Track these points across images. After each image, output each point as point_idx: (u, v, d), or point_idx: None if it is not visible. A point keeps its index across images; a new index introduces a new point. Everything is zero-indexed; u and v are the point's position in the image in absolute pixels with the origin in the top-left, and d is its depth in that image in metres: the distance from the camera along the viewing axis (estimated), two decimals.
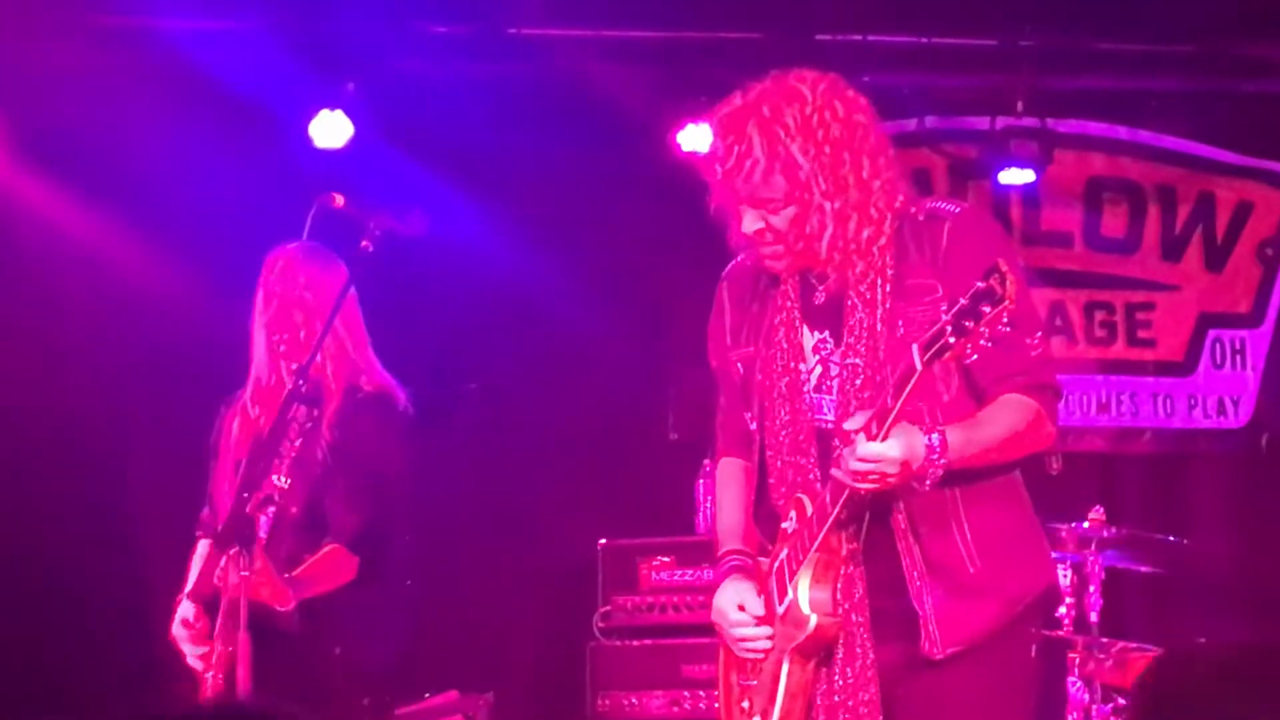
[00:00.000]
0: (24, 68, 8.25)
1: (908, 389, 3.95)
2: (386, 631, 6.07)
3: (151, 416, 8.52)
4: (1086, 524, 7.01)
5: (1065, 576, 7.11)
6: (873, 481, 4.04)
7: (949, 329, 3.86)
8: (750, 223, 4.37)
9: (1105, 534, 7.03)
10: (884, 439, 3.99)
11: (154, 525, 8.18)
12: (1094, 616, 7.03)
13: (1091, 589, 7.03)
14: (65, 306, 8.71)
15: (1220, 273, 9.24)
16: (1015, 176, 8.65)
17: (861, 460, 4.01)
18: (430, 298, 8.64)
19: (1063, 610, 7.11)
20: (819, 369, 4.36)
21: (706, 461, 7.82)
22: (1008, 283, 3.80)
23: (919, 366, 3.92)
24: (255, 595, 5.44)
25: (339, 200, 5.38)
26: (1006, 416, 4.23)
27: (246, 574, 5.08)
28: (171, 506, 7.74)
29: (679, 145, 8.54)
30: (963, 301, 3.84)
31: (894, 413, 3.98)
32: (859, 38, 8.05)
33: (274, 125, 8.35)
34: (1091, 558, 7.02)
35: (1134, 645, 7.16)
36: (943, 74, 8.47)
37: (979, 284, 3.83)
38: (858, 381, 4.25)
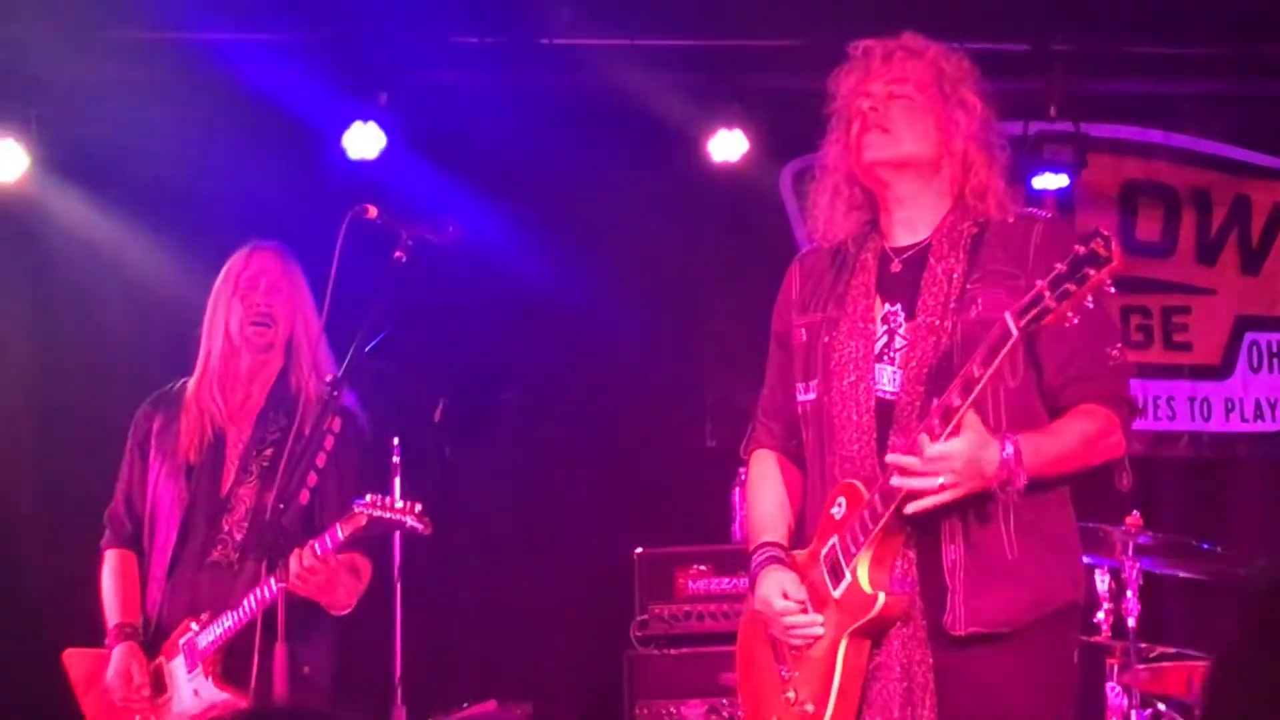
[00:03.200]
0: (60, 82, 8.29)
1: (998, 359, 3.93)
2: (336, 649, 6.08)
3: None
4: (1124, 528, 6.98)
5: (1103, 582, 7.08)
6: (950, 486, 4.04)
7: (1047, 294, 3.82)
8: (878, 88, 4.43)
9: (1143, 539, 6.99)
10: (964, 412, 3.98)
11: None
12: (1132, 622, 7.00)
13: (1129, 594, 6.99)
14: (101, 317, 8.75)
15: (1256, 275, 9.21)
16: (1049, 181, 8.62)
17: (931, 461, 4.02)
18: (464, 307, 8.65)
19: (1101, 616, 7.08)
20: (885, 338, 4.35)
21: (742, 470, 7.81)
22: (1112, 245, 3.78)
23: (1014, 332, 3.89)
24: (321, 594, 5.51)
25: (372, 211, 5.39)
26: (1080, 426, 4.24)
27: (284, 585, 5.08)
28: None
29: (711, 153, 8.57)
30: (1060, 267, 3.81)
31: (981, 383, 3.96)
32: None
33: (308, 137, 8.38)
34: (1129, 563, 6.98)
35: (1173, 651, 7.13)
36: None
37: (1079, 248, 3.80)
38: (930, 345, 4.24)
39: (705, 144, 8.58)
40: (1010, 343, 3.92)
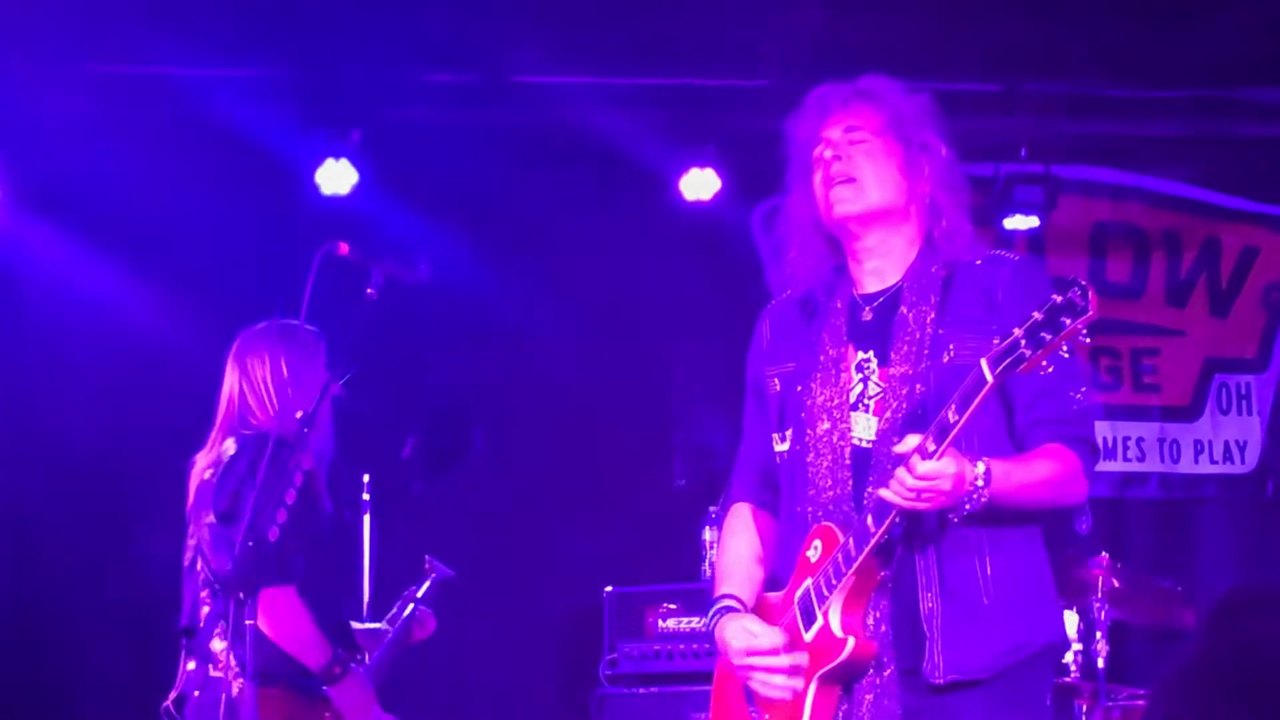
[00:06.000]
0: (29, 117, 8.27)
1: (973, 405, 3.93)
2: None
3: (155, 462, 8.54)
4: (1093, 570, 6.99)
5: (1073, 623, 7.09)
6: (926, 500, 4.01)
7: (1023, 341, 3.85)
8: (836, 134, 4.43)
9: (1112, 580, 7.01)
10: (940, 456, 3.97)
11: (157, 573, 8.19)
12: (1101, 663, 7.01)
13: (1098, 635, 7.01)
14: (72, 353, 8.72)
15: (1225, 318, 9.24)
16: (1019, 222, 8.66)
17: (921, 478, 3.98)
18: (434, 344, 8.65)
19: (1070, 657, 7.09)
20: (859, 386, 4.35)
21: (712, 508, 7.81)
22: (1089, 295, 3.80)
23: (989, 379, 3.90)
24: None
25: (344, 248, 5.37)
26: (1047, 463, 4.23)
27: (251, 622, 5.07)
28: (175, 553, 7.74)
29: (682, 192, 8.59)
30: (1037, 315, 3.84)
31: (956, 429, 3.95)
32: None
33: (280, 173, 8.38)
34: (1098, 604, 7.00)
35: (1141, 692, 7.14)
36: (946, 120, 8.47)
37: (1055, 298, 3.82)
38: (905, 392, 4.24)
39: (677, 183, 8.59)
40: (985, 390, 3.92)
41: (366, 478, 6.99)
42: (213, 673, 5.64)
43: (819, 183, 4.43)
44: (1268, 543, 8.92)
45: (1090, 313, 3.80)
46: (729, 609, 4.47)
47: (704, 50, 8.25)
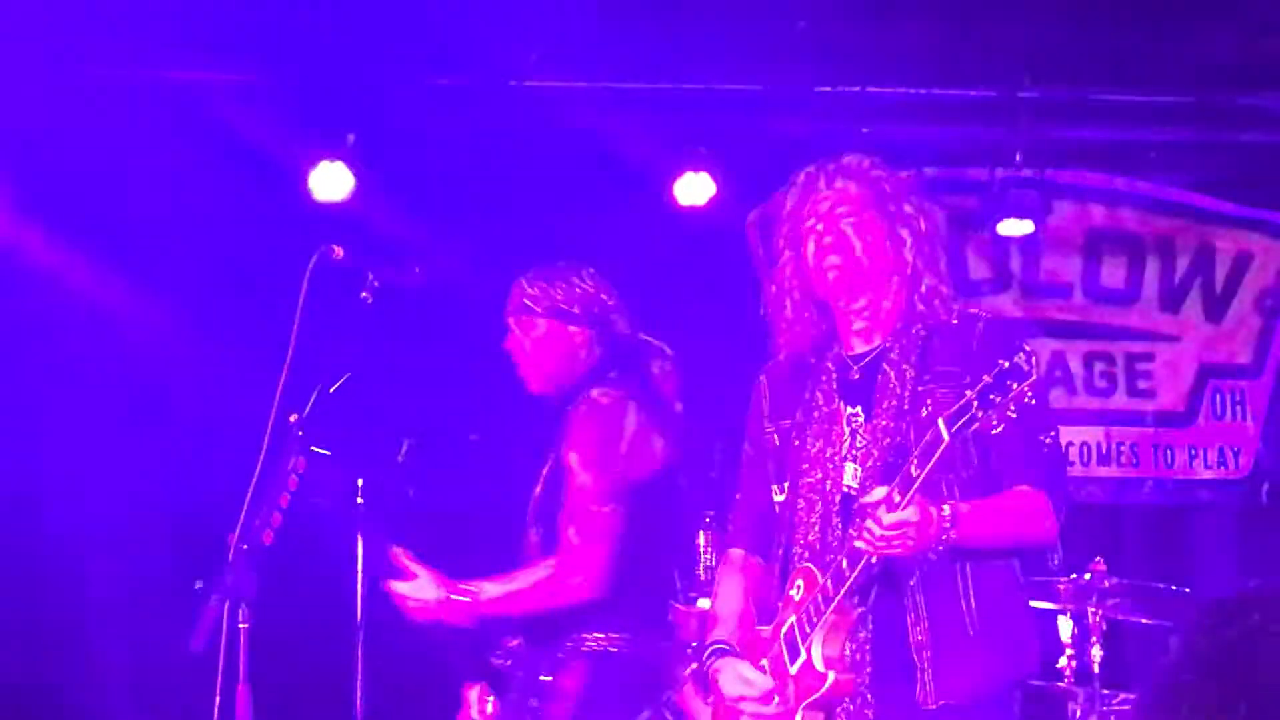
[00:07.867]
0: (25, 120, 8.27)
1: (932, 460, 4.20)
2: None
3: (153, 464, 8.55)
4: (1087, 575, 6.99)
5: (1066, 628, 7.09)
6: (896, 547, 4.29)
7: (975, 403, 4.15)
8: (824, 208, 4.71)
9: (1106, 585, 7.01)
10: (905, 507, 4.23)
11: (154, 574, 8.20)
12: (1095, 668, 7.01)
13: (1093, 640, 7.01)
14: (68, 356, 8.72)
15: (1220, 323, 9.25)
16: (1014, 227, 8.66)
17: (888, 529, 4.25)
18: (429, 349, 8.64)
19: (1064, 661, 7.09)
20: (849, 439, 4.67)
21: (707, 513, 7.80)
22: (1033, 361, 4.16)
23: (945, 438, 4.18)
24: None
25: (338, 252, 5.38)
26: (1015, 504, 4.53)
27: (245, 625, 5.07)
28: (174, 552, 7.76)
29: (676, 197, 8.58)
30: (987, 378, 4.15)
31: (918, 481, 4.22)
32: (858, 89, 8.07)
33: (275, 177, 8.37)
34: (1093, 609, 7.00)
35: (1135, 696, 7.14)
36: (942, 125, 8.47)
37: (1002, 362, 4.16)
38: (885, 443, 4.55)
39: (671, 188, 8.58)
40: (942, 446, 4.20)
41: (360, 482, 6.98)
42: None
43: (810, 252, 4.74)
44: (1262, 548, 8.92)
45: (1034, 376, 4.14)
46: (722, 652, 4.79)
47: (698, 55, 8.25)
